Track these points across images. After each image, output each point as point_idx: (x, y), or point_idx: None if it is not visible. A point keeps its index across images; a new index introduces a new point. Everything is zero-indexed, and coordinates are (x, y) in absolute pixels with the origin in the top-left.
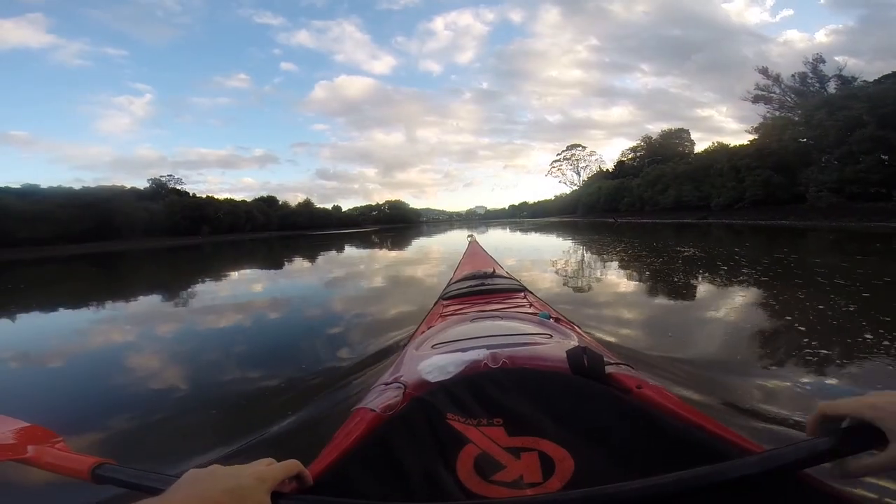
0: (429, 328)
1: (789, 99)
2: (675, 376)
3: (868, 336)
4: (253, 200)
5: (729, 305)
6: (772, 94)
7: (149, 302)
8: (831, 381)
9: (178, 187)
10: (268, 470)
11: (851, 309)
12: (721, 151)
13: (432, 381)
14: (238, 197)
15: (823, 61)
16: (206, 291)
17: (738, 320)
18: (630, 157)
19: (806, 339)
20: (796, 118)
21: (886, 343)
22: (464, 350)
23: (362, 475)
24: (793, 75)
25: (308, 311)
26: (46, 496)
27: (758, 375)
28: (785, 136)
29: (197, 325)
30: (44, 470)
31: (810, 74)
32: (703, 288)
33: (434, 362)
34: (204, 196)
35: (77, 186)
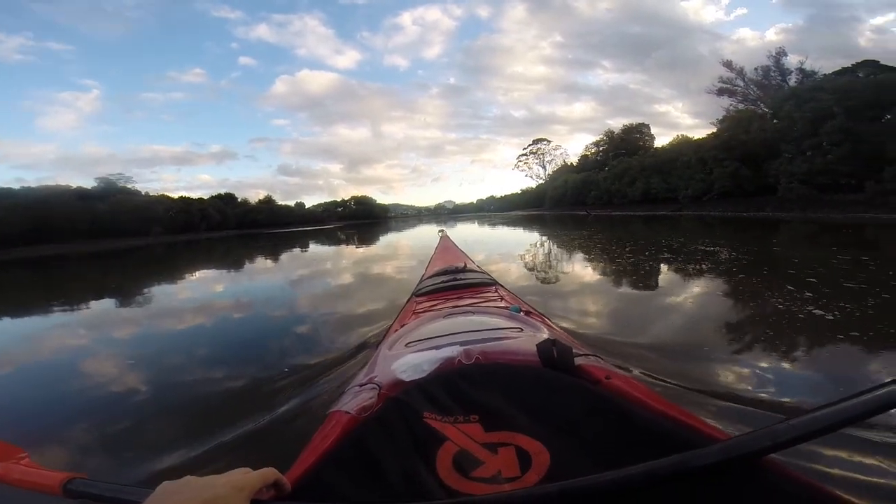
0: (402, 326)
1: (752, 92)
2: (642, 364)
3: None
4: (209, 198)
5: (706, 295)
6: (735, 87)
7: (101, 308)
8: (790, 365)
9: (129, 186)
10: (244, 479)
11: (812, 295)
12: (687, 144)
13: (407, 380)
14: (195, 195)
15: (786, 54)
16: (164, 295)
17: (703, 309)
18: (593, 151)
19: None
20: (762, 110)
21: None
22: (437, 347)
23: (341, 479)
24: (755, 69)
25: (275, 312)
26: None
27: (722, 361)
28: (751, 127)
29: (157, 330)
30: (13, 486)
31: (773, 68)
32: (675, 277)
33: (408, 361)
34: (157, 194)
35: (17, 186)
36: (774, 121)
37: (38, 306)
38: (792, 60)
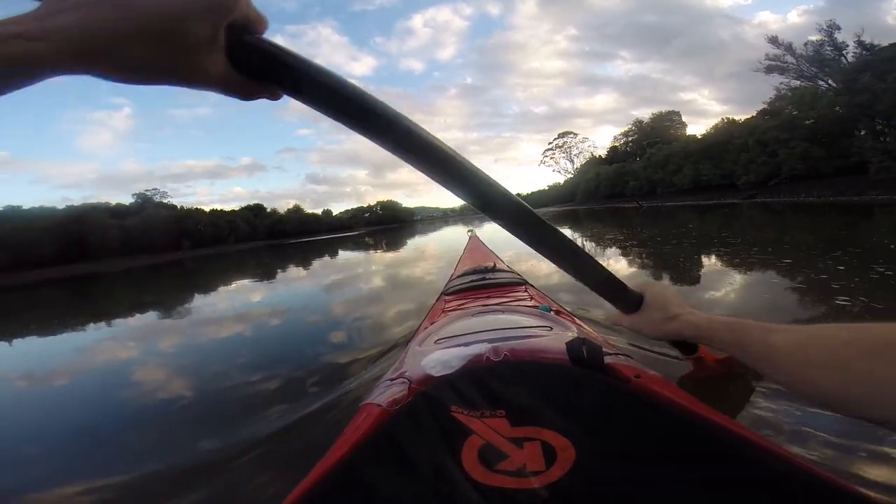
0: (431, 324)
1: (806, 68)
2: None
3: None
4: (239, 210)
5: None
6: (786, 64)
7: (142, 322)
8: None
9: (165, 201)
10: None
11: None
12: (737, 126)
13: (436, 375)
14: (228, 207)
15: (839, 28)
16: (202, 306)
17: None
18: (623, 142)
19: None
20: (827, 85)
21: None
22: (466, 344)
23: (372, 467)
24: (805, 44)
25: (309, 317)
26: None
27: None
28: (819, 104)
29: (198, 341)
30: None
31: (828, 42)
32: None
33: (437, 357)
34: (189, 207)
35: (61, 206)
36: (842, 95)
37: (76, 324)
38: (847, 33)
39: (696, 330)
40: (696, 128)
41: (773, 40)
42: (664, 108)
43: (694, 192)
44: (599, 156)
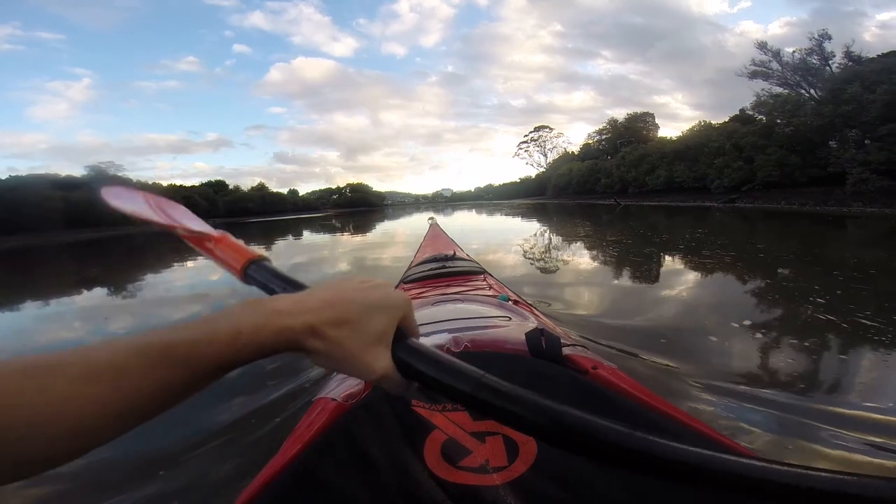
0: None
1: (790, 76)
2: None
3: None
4: (198, 185)
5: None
6: (770, 70)
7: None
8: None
9: (120, 174)
10: (403, 297)
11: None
12: (714, 130)
13: None
14: (189, 183)
15: (829, 38)
16: (149, 286)
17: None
18: (596, 140)
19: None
20: (809, 94)
21: None
22: (426, 335)
23: (328, 466)
24: (793, 52)
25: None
26: None
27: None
28: (801, 112)
29: (144, 322)
30: (214, 259)
31: (815, 51)
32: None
33: None
34: (145, 181)
35: (4, 176)
36: (826, 105)
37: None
38: (834, 45)
39: None
40: (667, 130)
41: (762, 46)
42: (639, 110)
43: (667, 193)
44: (572, 152)
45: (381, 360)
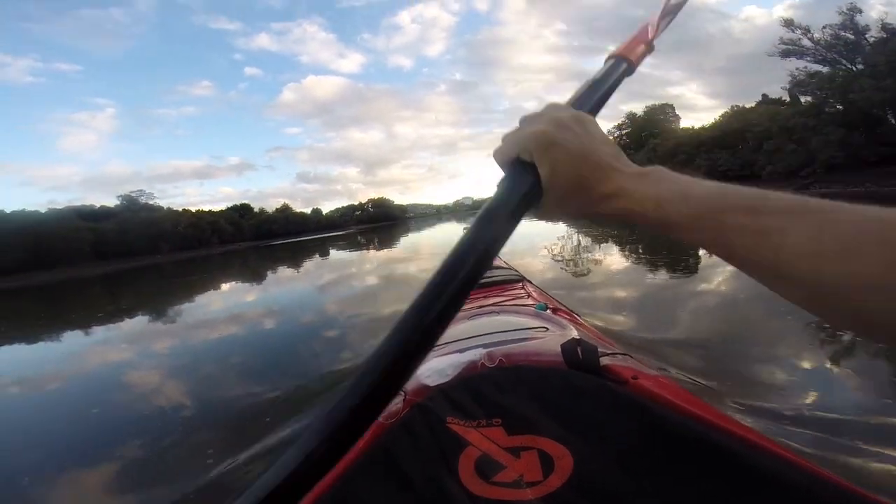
0: None
1: (823, 52)
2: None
3: None
4: (224, 210)
5: None
6: (804, 48)
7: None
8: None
9: (152, 202)
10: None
11: None
12: (754, 113)
13: (431, 385)
14: (217, 207)
15: (860, 11)
16: (192, 312)
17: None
18: (616, 135)
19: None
20: (848, 69)
21: None
22: (461, 351)
23: (369, 484)
24: (823, 27)
25: (304, 319)
26: None
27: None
28: (855, 88)
29: (194, 350)
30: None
31: (849, 25)
32: None
33: (432, 366)
34: (174, 209)
35: (44, 209)
36: (887, 80)
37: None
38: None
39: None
40: (687, 122)
41: (789, 23)
42: (654, 103)
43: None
44: None
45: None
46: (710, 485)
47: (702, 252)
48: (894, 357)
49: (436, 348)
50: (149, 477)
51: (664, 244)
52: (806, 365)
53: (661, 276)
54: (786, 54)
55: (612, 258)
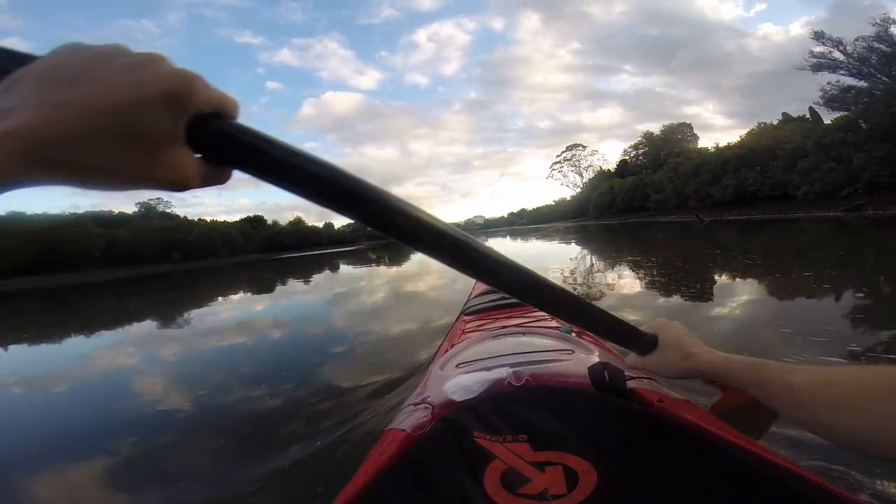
0: (452, 346)
1: (855, 65)
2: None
3: None
4: (237, 221)
5: None
6: (836, 61)
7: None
8: None
9: (169, 210)
10: (173, 76)
11: None
12: (781, 130)
13: (458, 400)
14: (233, 218)
15: (894, 22)
16: (207, 324)
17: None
18: (633, 155)
19: None
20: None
21: None
22: (488, 369)
23: (397, 493)
24: (856, 40)
25: (325, 337)
26: None
27: None
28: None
29: (219, 365)
30: None
31: (884, 36)
32: None
33: (459, 382)
34: (190, 218)
35: (66, 213)
36: None
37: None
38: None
39: (713, 368)
40: (703, 142)
41: (819, 35)
42: (670, 122)
43: (738, 204)
44: (608, 169)
45: (177, 167)
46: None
47: (717, 277)
48: None
49: (461, 366)
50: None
51: (679, 269)
52: None
53: (676, 299)
54: (817, 68)
55: (626, 281)
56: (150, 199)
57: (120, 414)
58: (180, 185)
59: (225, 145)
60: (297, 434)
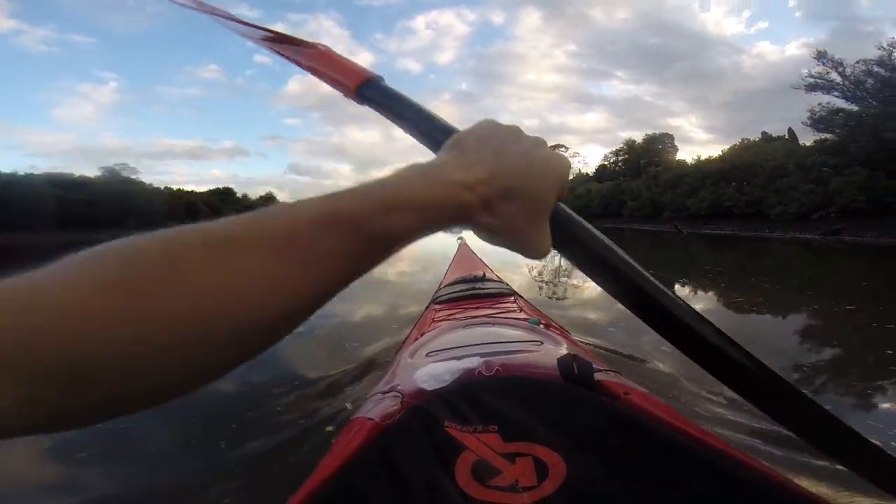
0: (422, 334)
1: (850, 87)
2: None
3: None
4: (204, 192)
5: None
6: (831, 82)
7: None
8: None
9: (134, 177)
10: (564, 158)
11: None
12: (766, 147)
13: (428, 389)
14: (203, 189)
15: None
16: None
17: None
18: (612, 161)
19: None
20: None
21: None
22: (458, 358)
23: (364, 484)
24: (856, 62)
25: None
26: None
27: None
28: (887, 127)
29: None
30: (316, 75)
31: (886, 61)
32: None
33: (429, 371)
34: (155, 186)
35: (22, 172)
36: None
37: None
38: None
39: None
40: (682, 154)
41: (822, 55)
42: (653, 132)
43: (713, 218)
44: (587, 173)
45: (545, 237)
46: (690, 492)
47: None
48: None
49: (431, 354)
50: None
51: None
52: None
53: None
54: (811, 87)
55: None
56: (115, 165)
57: None
58: (541, 251)
59: (565, 230)
60: (254, 424)
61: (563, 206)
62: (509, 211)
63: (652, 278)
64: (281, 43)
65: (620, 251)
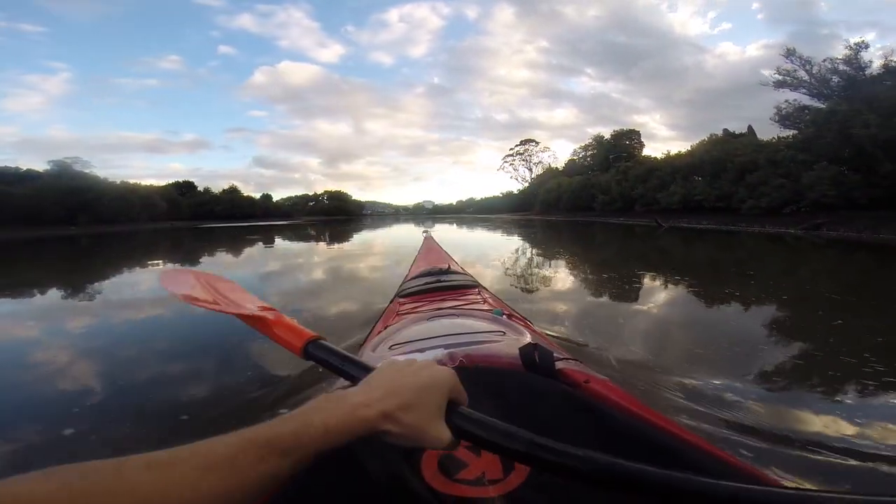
0: (385, 327)
1: (816, 85)
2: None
3: None
4: (163, 186)
5: None
6: (798, 80)
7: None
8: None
9: (87, 171)
10: (447, 373)
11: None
12: (735, 143)
13: None
14: (163, 183)
15: (867, 47)
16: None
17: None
18: (581, 156)
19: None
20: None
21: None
22: (422, 350)
23: (328, 481)
24: (823, 60)
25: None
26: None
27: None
28: (855, 124)
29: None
30: (270, 338)
31: (853, 60)
32: None
33: None
34: (119, 181)
35: None
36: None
37: None
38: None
39: None
40: (647, 150)
41: (790, 52)
42: (621, 128)
43: (685, 212)
44: (556, 167)
45: (444, 431)
46: None
47: (646, 280)
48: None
49: (395, 347)
50: None
51: (612, 268)
52: (720, 377)
53: (604, 298)
54: (780, 84)
55: (560, 275)
56: (65, 158)
57: None
58: (443, 441)
59: (462, 423)
60: (213, 422)
61: (460, 406)
62: (408, 418)
63: (551, 443)
64: (245, 316)
65: (514, 429)
